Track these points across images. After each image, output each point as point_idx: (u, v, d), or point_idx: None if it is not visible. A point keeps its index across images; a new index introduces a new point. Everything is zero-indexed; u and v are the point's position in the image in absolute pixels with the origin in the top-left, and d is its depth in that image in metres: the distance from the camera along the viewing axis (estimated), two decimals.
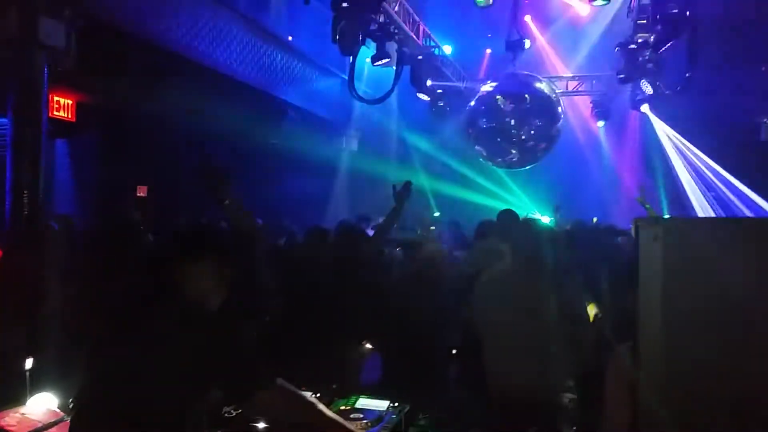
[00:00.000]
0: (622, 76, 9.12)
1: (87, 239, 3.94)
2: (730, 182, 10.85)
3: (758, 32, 9.77)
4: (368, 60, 8.87)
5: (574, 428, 2.30)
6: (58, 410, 2.40)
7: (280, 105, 9.83)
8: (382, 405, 2.37)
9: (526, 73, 10.38)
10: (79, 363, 1.85)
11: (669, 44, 7.61)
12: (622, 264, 3.37)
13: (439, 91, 10.67)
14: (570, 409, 2.31)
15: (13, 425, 2.26)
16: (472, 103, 10.65)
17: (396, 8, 8.37)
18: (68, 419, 2.35)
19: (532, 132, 9.97)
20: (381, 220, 4.63)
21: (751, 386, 1.38)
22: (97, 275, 3.50)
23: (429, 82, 10.12)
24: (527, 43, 9.99)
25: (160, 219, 7.04)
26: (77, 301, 3.26)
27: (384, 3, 7.64)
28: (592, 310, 3.11)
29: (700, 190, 11.37)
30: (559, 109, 10.20)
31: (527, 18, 11.62)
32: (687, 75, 7.77)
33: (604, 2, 7.96)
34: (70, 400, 2.37)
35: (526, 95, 9.87)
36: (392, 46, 8.52)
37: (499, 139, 10.15)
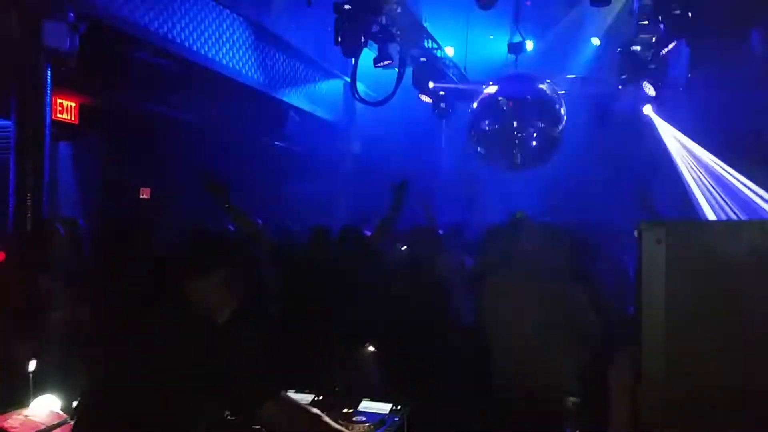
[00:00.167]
0: (624, 77, 9.12)
1: (92, 242, 3.95)
2: (741, 181, 10.73)
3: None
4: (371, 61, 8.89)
5: (578, 431, 2.30)
6: (62, 412, 2.40)
7: (282, 107, 9.84)
8: (384, 408, 2.37)
9: (528, 74, 10.38)
10: (83, 366, 1.85)
11: (671, 45, 7.60)
12: (624, 268, 3.37)
13: (441, 92, 10.68)
14: (573, 411, 2.31)
15: (17, 427, 2.27)
16: (474, 105, 10.65)
17: (398, 10, 8.38)
18: (71, 421, 2.35)
19: (535, 134, 9.96)
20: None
21: (752, 386, 1.38)
22: (102, 278, 3.51)
23: (431, 84, 10.13)
24: (529, 45, 10.00)
25: (163, 222, 7.05)
26: (82, 305, 3.27)
27: (386, 5, 7.65)
28: None
29: (709, 191, 11.26)
30: (562, 110, 10.19)
31: (529, 20, 11.62)
32: (689, 75, 7.76)
33: (605, 4, 7.95)
34: (74, 403, 2.37)
35: (528, 97, 9.86)
36: (394, 48, 8.53)
37: (501, 141, 10.14)
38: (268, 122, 9.56)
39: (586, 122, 12.44)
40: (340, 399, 2.46)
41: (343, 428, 1.86)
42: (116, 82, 6.72)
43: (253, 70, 8.88)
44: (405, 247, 5.07)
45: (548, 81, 10.80)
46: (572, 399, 2.32)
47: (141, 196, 8.38)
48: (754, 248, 1.40)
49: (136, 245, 3.79)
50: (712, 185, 11.07)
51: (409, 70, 9.40)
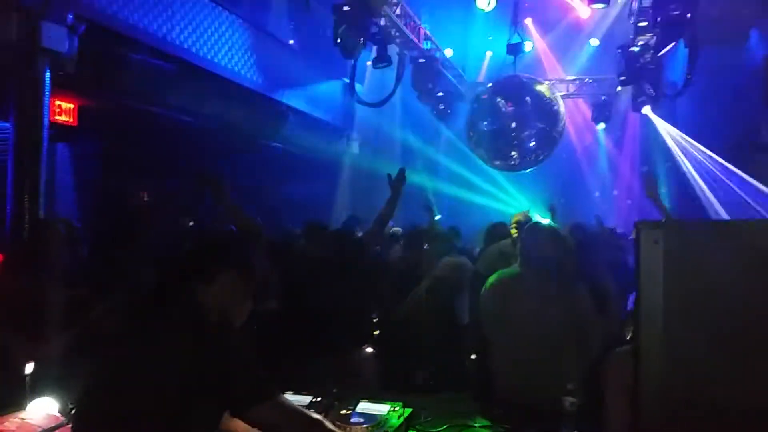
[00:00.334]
0: (622, 78, 9.13)
1: (90, 243, 3.94)
2: (743, 179, 10.68)
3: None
4: (369, 63, 8.90)
5: (576, 431, 2.30)
6: (59, 415, 2.39)
7: (281, 108, 9.84)
8: (382, 409, 2.37)
9: (527, 75, 10.39)
10: (83, 366, 1.84)
11: (670, 46, 7.61)
12: (626, 269, 3.37)
13: (440, 94, 10.68)
14: (572, 412, 2.31)
15: (14, 430, 2.26)
16: (473, 105, 10.66)
17: (397, 11, 8.39)
18: (68, 424, 2.34)
19: (533, 135, 9.98)
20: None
21: (751, 388, 1.37)
22: (101, 279, 3.51)
23: (430, 85, 10.13)
24: (528, 46, 10.01)
25: (162, 223, 7.05)
26: (80, 306, 3.26)
27: (385, 6, 7.66)
28: None
29: (711, 190, 11.22)
30: (560, 111, 10.21)
31: (528, 21, 11.64)
32: (688, 77, 7.76)
33: (604, 5, 7.96)
34: (70, 405, 2.37)
35: (527, 98, 9.88)
36: (393, 49, 8.54)
37: (499, 142, 10.15)
38: (266, 123, 9.56)
39: (583, 123, 12.49)
40: (337, 400, 2.46)
41: None
42: (115, 84, 6.72)
43: (252, 72, 8.89)
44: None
45: (547, 82, 10.82)
46: (570, 399, 2.32)
47: (139, 198, 8.38)
48: (753, 249, 1.40)
49: (135, 247, 3.79)
50: (716, 183, 11.03)
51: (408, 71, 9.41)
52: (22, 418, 2.33)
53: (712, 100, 10.14)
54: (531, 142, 10.05)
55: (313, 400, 2.45)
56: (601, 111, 11.69)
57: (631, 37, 8.57)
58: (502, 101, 9.96)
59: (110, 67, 6.45)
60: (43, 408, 2.40)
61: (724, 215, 10.43)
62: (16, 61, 5.08)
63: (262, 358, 1.76)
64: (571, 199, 11.87)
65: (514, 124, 9.94)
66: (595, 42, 11.84)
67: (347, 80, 9.31)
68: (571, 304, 2.84)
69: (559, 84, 11.67)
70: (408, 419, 2.36)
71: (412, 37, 9.00)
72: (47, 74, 5.15)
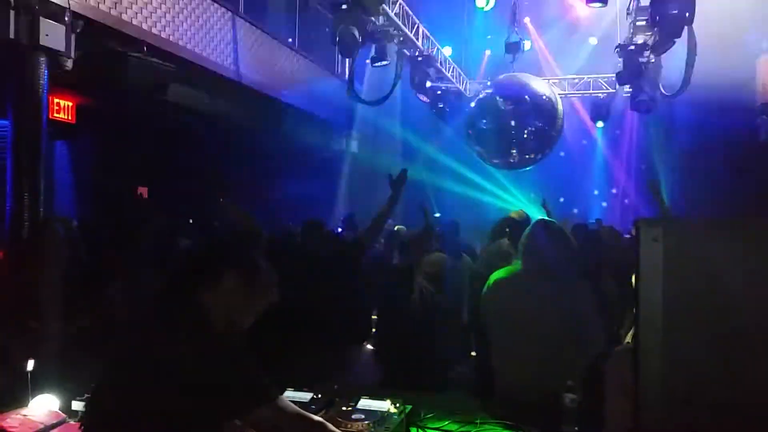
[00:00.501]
0: (621, 77, 9.14)
1: (89, 241, 3.95)
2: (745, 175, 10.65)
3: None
4: (368, 61, 8.91)
5: (576, 428, 2.31)
6: (60, 412, 2.40)
7: (280, 106, 9.84)
8: (383, 405, 2.37)
9: (525, 74, 10.41)
10: (83, 365, 1.84)
11: (668, 46, 7.62)
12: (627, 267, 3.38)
13: (438, 92, 10.70)
14: (573, 409, 2.32)
15: (15, 427, 2.26)
16: (472, 104, 10.68)
17: (395, 10, 8.39)
18: (70, 421, 2.35)
19: (532, 133, 10.00)
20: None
21: (751, 387, 1.38)
22: (100, 278, 3.51)
23: (428, 84, 10.14)
24: (527, 45, 10.03)
25: (161, 220, 7.03)
26: (79, 305, 3.27)
27: (383, 5, 7.66)
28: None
29: (708, 190, 11.21)
30: (559, 110, 10.23)
31: (526, 20, 11.65)
32: (686, 76, 7.78)
33: (602, 5, 7.97)
34: (75, 403, 2.37)
35: (526, 96, 9.89)
36: (392, 48, 8.55)
37: (498, 140, 10.18)
38: (265, 121, 9.56)
39: (582, 122, 12.51)
40: (338, 397, 2.46)
41: None
42: (113, 82, 6.71)
43: (251, 70, 8.88)
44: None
45: (545, 81, 10.84)
46: (571, 396, 2.33)
47: (138, 195, 8.37)
48: (753, 246, 1.40)
49: (133, 245, 3.80)
50: (713, 183, 11.03)
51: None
52: (24, 415, 2.34)
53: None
54: (529, 141, 10.07)
55: (314, 396, 2.46)
56: (600, 110, 11.72)
57: (630, 36, 8.59)
58: (501, 100, 9.98)
59: (108, 65, 6.44)
60: (45, 405, 2.40)
61: (725, 212, 10.42)
62: (14, 59, 5.07)
63: (261, 356, 1.76)
64: (569, 197, 11.90)
65: (512, 123, 9.97)
66: (593, 41, 11.85)
67: (346, 78, 9.32)
68: (572, 303, 2.85)
69: (557, 83, 11.69)
70: (409, 416, 2.37)
71: (410, 35, 9.01)
72: (45, 72, 5.14)
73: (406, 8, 8.81)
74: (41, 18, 5.09)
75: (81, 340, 3.07)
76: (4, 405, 2.38)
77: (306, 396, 2.46)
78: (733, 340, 1.38)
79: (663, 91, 9.18)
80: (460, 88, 11.55)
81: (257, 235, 3.48)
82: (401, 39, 8.82)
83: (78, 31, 5.50)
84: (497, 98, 10.06)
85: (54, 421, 2.33)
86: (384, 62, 8.36)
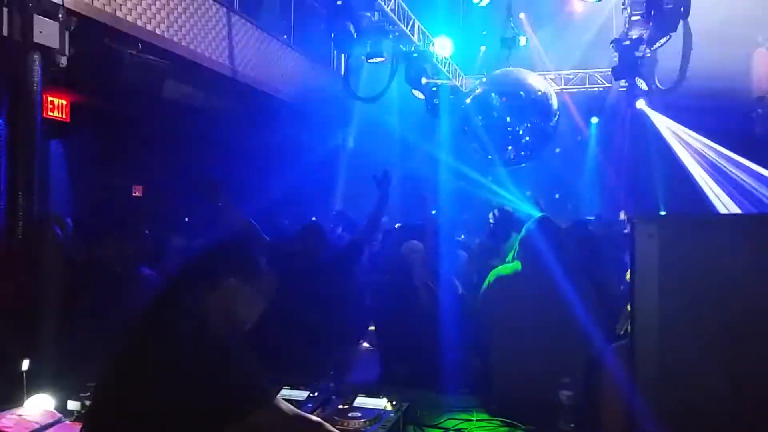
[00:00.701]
0: (617, 72, 9.14)
1: (84, 240, 3.93)
2: (744, 165, 10.61)
3: None
4: (363, 57, 8.88)
5: (572, 425, 2.31)
6: (56, 411, 2.39)
7: (275, 103, 9.81)
8: (380, 403, 2.37)
9: (521, 69, 10.40)
10: (78, 364, 1.83)
11: (663, 40, 7.62)
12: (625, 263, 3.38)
13: (434, 88, 10.68)
14: (570, 405, 2.33)
15: (11, 427, 2.26)
16: (468, 100, 10.67)
17: (391, 5, 8.37)
18: (66, 420, 2.35)
19: (528, 129, 10.00)
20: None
21: (748, 385, 1.38)
22: (95, 277, 3.50)
23: (424, 80, 10.12)
24: (522, 40, 10.01)
25: (155, 219, 7.03)
26: (73, 303, 3.26)
27: (378, 0, 7.64)
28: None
29: (713, 179, 11.16)
30: (554, 105, 10.22)
31: (522, 15, 11.64)
32: (682, 69, 7.77)
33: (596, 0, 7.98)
34: (71, 403, 2.37)
35: (521, 92, 9.89)
36: (387, 44, 8.52)
37: (494, 136, 10.17)
38: (261, 118, 9.53)
39: (577, 117, 12.50)
40: (335, 395, 2.46)
41: None
42: (107, 80, 6.67)
43: (246, 66, 8.85)
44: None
45: (541, 76, 10.83)
46: (567, 392, 2.33)
47: (133, 194, 8.35)
48: (749, 242, 1.40)
49: (129, 243, 3.78)
50: (718, 172, 11.02)
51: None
52: (20, 415, 2.33)
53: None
54: (525, 137, 10.07)
55: (311, 394, 2.46)
56: (595, 105, 11.72)
57: (625, 30, 8.58)
58: (496, 96, 9.97)
59: (102, 62, 6.40)
60: (40, 404, 2.40)
61: (728, 205, 10.43)
62: (7, 57, 5.03)
63: (259, 355, 1.75)
64: (564, 193, 11.91)
65: (508, 119, 9.96)
66: (588, 36, 11.85)
67: (342, 74, 9.30)
68: (571, 300, 2.85)
69: (552, 78, 11.68)
70: (405, 413, 2.37)
71: (406, 31, 8.98)
72: (39, 70, 5.11)
73: (402, 4, 8.78)
74: (35, 15, 5.05)
75: (77, 340, 3.06)
76: None
77: (302, 394, 2.46)
78: (729, 334, 1.39)
79: (659, 84, 9.18)
80: (456, 83, 11.53)
81: (257, 237, 3.48)
82: (397, 35, 8.79)
83: (72, 28, 5.47)
84: (492, 94, 10.05)
85: (49, 421, 2.33)
86: (379, 58, 8.33)
